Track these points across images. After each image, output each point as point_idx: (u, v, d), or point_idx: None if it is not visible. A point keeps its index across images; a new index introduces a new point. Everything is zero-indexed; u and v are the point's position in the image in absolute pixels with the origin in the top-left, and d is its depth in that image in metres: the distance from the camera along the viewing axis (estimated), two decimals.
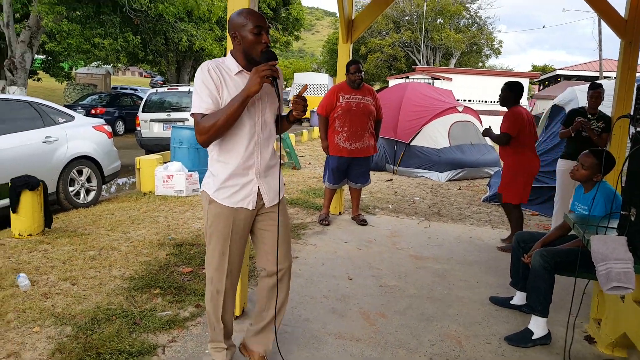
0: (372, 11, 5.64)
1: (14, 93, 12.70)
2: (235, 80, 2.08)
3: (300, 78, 24.65)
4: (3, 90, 13.89)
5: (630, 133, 2.28)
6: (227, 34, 2.18)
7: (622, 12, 4.88)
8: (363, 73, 5.06)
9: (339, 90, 5.06)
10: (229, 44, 2.31)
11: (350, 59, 5.37)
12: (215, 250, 2.21)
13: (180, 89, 11.43)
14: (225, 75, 2.07)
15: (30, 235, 4.46)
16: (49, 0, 12.47)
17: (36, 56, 19.44)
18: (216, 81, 2.03)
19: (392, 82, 19.79)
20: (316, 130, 15.62)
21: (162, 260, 3.93)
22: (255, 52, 2.05)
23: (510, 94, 4.61)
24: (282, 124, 2.31)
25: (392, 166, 9.12)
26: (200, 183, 6.65)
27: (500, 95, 4.68)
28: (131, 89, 27.15)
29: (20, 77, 13.29)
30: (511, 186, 4.64)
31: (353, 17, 5.52)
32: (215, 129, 1.99)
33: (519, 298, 3.30)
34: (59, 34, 14.60)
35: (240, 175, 2.15)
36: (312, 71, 46.82)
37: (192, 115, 2.05)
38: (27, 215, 4.43)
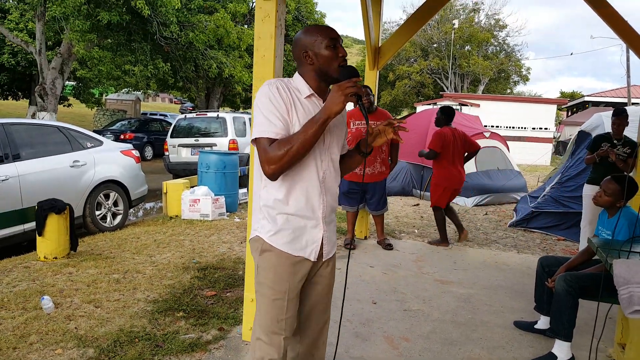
0: (398, 39, 5.73)
1: (44, 118, 13.18)
2: (306, 105, 1.80)
3: None
4: (34, 116, 14.42)
5: None
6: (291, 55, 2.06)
7: None
8: (372, 97, 5.09)
9: (350, 116, 5.11)
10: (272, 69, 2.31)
11: (377, 85, 5.43)
12: (269, 312, 1.84)
13: (209, 114, 11.69)
14: (295, 98, 1.78)
15: (56, 258, 4.56)
16: (80, 28, 12.98)
17: (67, 82, 20.26)
18: (287, 102, 1.74)
19: (420, 108, 19.80)
20: None
21: (186, 283, 3.97)
22: (333, 69, 1.79)
23: (442, 116, 5.46)
24: (353, 157, 2.01)
25: (418, 191, 9.06)
26: (226, 207, 6.83)
27: (435, 117, 5.51)
28: (160, 115, 27.92)
29: (51, 103, 13.77)
30: (433, 193, 5.58)
31: (380, 45, 5.61)
32: (289, 157, 1.67)
33: (543, 322, 3.23)
34: (90, 61, 15.15)
35: (304, 218, 1.82)
36: None
37: (256, 140, 1.73)
38: (52, 238, 4.54)
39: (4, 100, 24.72)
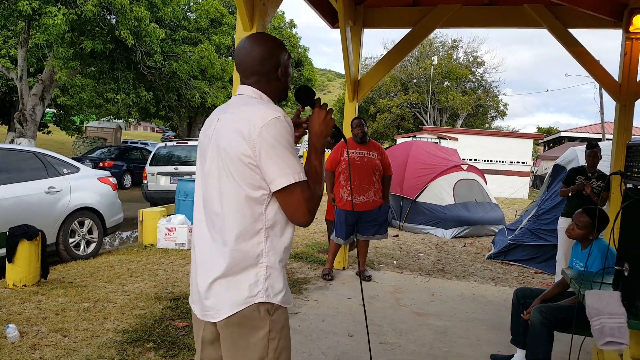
0: (377, 73, 5.94)
1: (21, 144, 12.99)
2: None
3: None
4: (12, 142, 14.22)
5: (622, 190, 2.29)
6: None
7: (616, 76, 5.05)
8: (366, 128, 5.18)
9: (344, 145, 5.17)
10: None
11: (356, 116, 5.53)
12: None
13: (190, 143, 11.67)
14: None
15: (25, 285, 4.42)
16: (64, 55, 13.00)
17: (48, 110, 20.06)
18: None
19: (400, 141, 20.13)
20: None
21: (158, 313, 3.87)
22: (288, 89, 1.67)
23: (331, 140, 5.69)
24: None
25: (398, 222, 9.10)
26: None
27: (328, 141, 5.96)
28: (141, 143, 27.73)
29: (30, 130, 13.61)
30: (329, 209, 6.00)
31: (359, 78, 5.73)
32: (320, 197, 1.54)
33: (519, 356, 3.19)
34: (72, 88, 15.08)
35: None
36: None
37: (296, 185, 1.46)
38: (23, 265, 4.41)
39: None
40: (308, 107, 1.70)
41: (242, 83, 1.62)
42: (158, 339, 3.34)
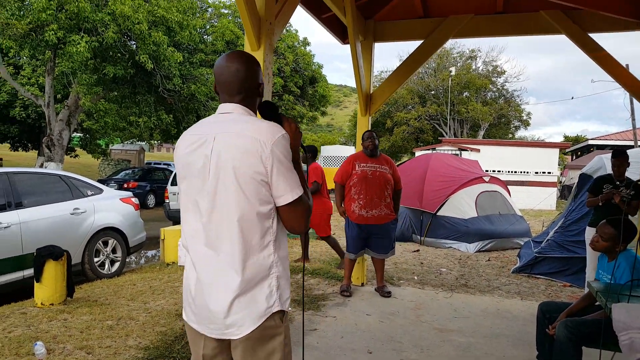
0: (389, 86, 5.88)
1: (47, 168, 13.38)
2: None
3: (327, 150, 25.21)
4: (42, 166, 14.66)
5: None
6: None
7: None
8: (377, 141, 5.16)
9: (355, 159, 5.16)
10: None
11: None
12: None
13: None
14: None
15: (52, 304, 4.52)
16: (87, 81, 13.44)
17: (74, 134, 20.66)
18: None
19: (419, 154, 19.98)
20: None
21: (178, 330, 3.89)
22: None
23: (309, 154, 6.42)
24: None
25: (418, 237, 8.97)
26: None
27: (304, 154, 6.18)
28: (164, 164, 28.25)
29: (58, 154, 14.04)
30: (319, 224, 6.34)
31: (371, 92, 5.73)
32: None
33: None
34: (96, 113, 15.51)
35: None
36: (339, 144, 47.94)
37: (300, 198, 1.57)
38: (49, 284, 4.52)
39: (14, 151, 25.23)
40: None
41: (225, 101, 1.65)
42: (178, 355, 3.38)
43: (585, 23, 5.00)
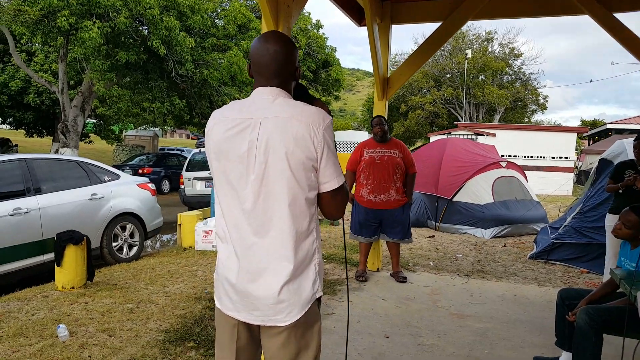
0: (407, 70, 5.76)
1: (65, 154, 13.53)
2: None
3: (340, 136, 25.11)
4: (57, 152, 14.83)
5: None
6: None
7: None
8: (386, 126, 5.12)
9: (364, 145, 5.17)
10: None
11: (386, 115, 5.46)
12: None
13: None
14: None
15: (73, 288, 4.61)
16: (100, 67, 13.49)
17: (88, 120, 20.86)
18: None
19: (434, 139, 19.80)
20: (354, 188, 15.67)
21: (198, 313, 3.94)
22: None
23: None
24: None
25: (433, 222, 8.93)
26: None
27: None
28: (177, 150, 28.44)
29: (73, 140, 14.19)
30: None
31: (388, 76, 5.66)
32: None
33: (565, 358, 3.07)
34: (109, 99, 15.58)
35: None
36: (353, 129, 47.71)
37: (342, 185, 1.58)
38: (70, 268, 4.60)
39: (29, 137, 25.56)
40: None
41: (262, 85, 1.58)
42: (198, 338, 3.43)
43: (610, 2, 4.83)
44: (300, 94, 1.66)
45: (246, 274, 1.54)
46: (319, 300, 1.60)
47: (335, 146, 1.57)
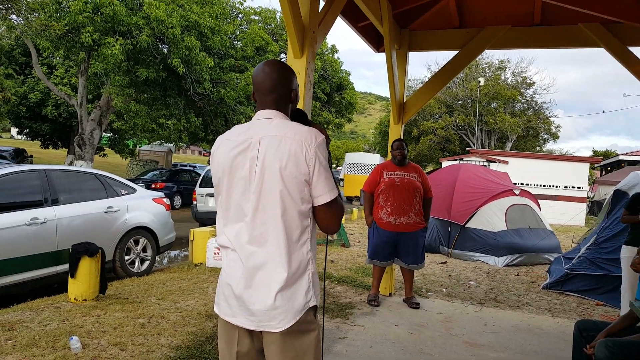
0: (422, 95, 5.85)
1: (81, 166, 13.70)
2: None
3: (351, 158, 25.19)
4: (71, 164, 15.04)
5: None
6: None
7: None
8: (406, 151, 5.14)
9: (383, 167, 5.16)
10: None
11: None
12: None
13: None
14: None
15: (85, 300, 4.61)
16: (120, 83, 13.77)
17: (104, 134, 21.17)
18: None
19: (446, 164, 19.77)
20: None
21: (209, 331, 3.93)
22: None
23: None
24: None
25: (446, 248, 8.86)
26: None
27: None
28: (190, 166, 28.65)
29: (88, 152, 14.41)
30: None
31: (404, 101, 5.72)
32: None
33: None
34: (127, 114, 15.82)
35: None
36: (364, 151, 47.84)
37: (336, 198, 1.68)
38: (83, 280, 4.62)
39: (44, 149, 25.94)
40: None
41: (262, 108, 1.74)
42: (210, 356, 3.40)
43: (626, 36, 4.90)
44: (298, 119, 1.79)
45: (245, 280, 1.63)
46: (314, 309, 1.67)
47: (330, 164, 1.69)
